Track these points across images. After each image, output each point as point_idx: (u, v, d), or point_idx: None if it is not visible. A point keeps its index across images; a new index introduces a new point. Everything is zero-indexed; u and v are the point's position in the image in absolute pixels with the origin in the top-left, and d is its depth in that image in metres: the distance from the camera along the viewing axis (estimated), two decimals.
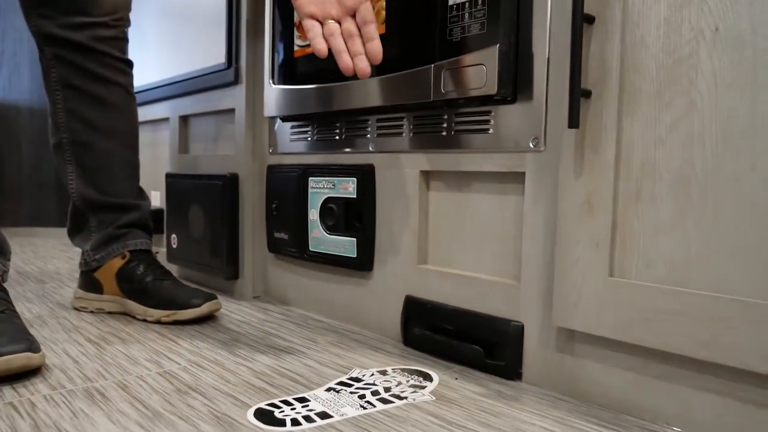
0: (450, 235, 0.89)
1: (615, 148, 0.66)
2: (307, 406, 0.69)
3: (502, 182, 0.81)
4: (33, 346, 0.77)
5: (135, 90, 1.61)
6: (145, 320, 1.06)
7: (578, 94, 0.66)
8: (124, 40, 1.14)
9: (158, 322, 1.04)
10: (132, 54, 1.63)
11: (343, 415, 0.66)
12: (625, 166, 0.66)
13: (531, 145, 0.75)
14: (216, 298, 1.07)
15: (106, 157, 1.11)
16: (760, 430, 0.57)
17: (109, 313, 1.11)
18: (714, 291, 0.59)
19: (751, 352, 0.56)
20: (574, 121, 0.66)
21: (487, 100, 0.78)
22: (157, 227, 1.52)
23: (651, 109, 0.63)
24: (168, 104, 1.49)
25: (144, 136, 1.66)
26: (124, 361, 0.84)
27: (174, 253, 1.41)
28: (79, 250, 1.15)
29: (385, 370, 0.81)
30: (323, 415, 0.66)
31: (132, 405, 0.69)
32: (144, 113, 1.60)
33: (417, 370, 0.82)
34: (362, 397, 0.72)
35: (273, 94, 1.13)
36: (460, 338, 0.84)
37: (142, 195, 1.18)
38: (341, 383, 0.76)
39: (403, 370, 0.82)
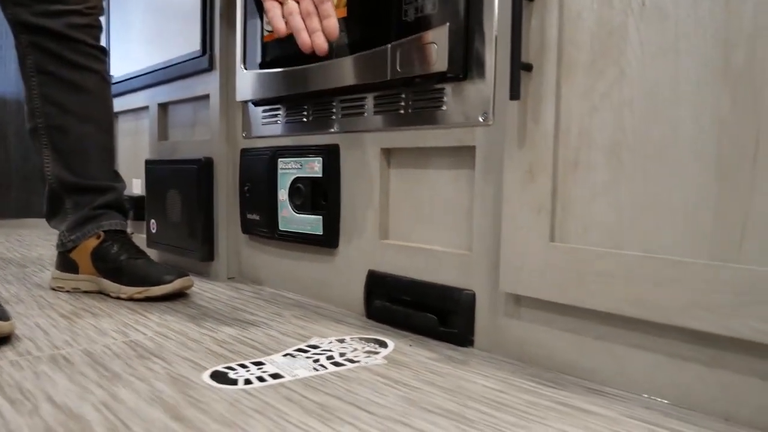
0: (410, 210, 0.92)
1: (554, 117, 0.69)
2: (262, 368, 0.72)
3: (456, 156, 0.84)
4: (3, 315, 0.80)
5: (117, 80, 1.64)
6: (118, 297, 1.09)
7: (518, 67, 0.69)
8: (98, 27, 1.16)
9: (131, 299, 1.07)
10: (116, 45, 1.66)
11: (294, 376, 0.69)
12: (564, 134, 0.69)
13: (480, 120, 0.78)
14: (188, 275, 1.10)
15: (80, 141, 1.14)
16: (686, 382, 0.60)
17: (85, 292, 1.14)
18: (644, 251, 0.62)
19: (676, 307, 0.59)
20: (515, 93, 0.69)
21: (440, 77, 0.81)
22: (139, 214, 1.55)
23: (586, 79, 0.66)
24: (148, 93, 1.52)
25: (126, 125, 1.69)
26: (93, 333, 0.87)
27: (153, 238, 1.44)
28: None
29: (344, 339, 0.84)
30: (275, 376, 0.69)
31: (93, 368, 0.72)
32: (126, 102, 1.63)
33: (374, 339, 0.84)
34: (316, 360, 0.75)
35: (244, 78, 1.16)
36: (417, 308, 0.87)
37: (117, 178, 1.21)
38: (299, 350, 0.79)
39: (360, 338, 0.85)
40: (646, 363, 0.63)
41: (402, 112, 0.89)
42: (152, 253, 1.50)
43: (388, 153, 0.95)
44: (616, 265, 0.63)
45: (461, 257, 0.83)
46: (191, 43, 1.30)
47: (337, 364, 0.74)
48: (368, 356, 0.77)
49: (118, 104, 1.66)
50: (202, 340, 0.84)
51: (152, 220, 1.44)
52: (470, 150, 0.81)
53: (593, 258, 0.65)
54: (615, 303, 0.64)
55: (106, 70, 1.19)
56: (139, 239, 1.51)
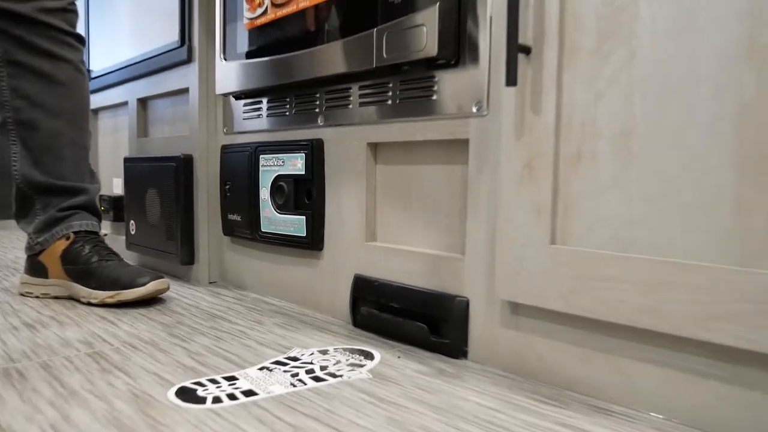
0: (398, 209, 0.85)
1: (555, 107, 0.62)
2: (234, 384, 0.65)
3: (448, 151, 0.78)
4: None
5: (97, 74, 1.57)
6: (89, 303, 1.02)
7: (515, 49, 0.62)
8: (73, 12, 1.09)
9: (103, 304, 1.00)
10: (97, 37, 1.59)
11: (269, 393, 0.62)
12: (566, 125, 0.62)
13: (474, 110, 0.72)
14: (163, 277, 1.03)
15: (51, 137, 1.07)
16: (703, 401, 0.54)
17: (55, 297, 1.07)
18: (655, 254, 0.55)
19: (690, 318, 0.52)
20: (511, 79, 0.62)
21: (429, 63, 0.75)
22: (119, 215, 1.48)
23: (591, 62, 0.59)
24: (126, 87, 1.45)
25: (106, 122, 1.62)
26: (56, 343, 0.80)
27: (132, 240, 1.37)
28: None
29: (327, 350, 0.78)
30: (248, 393, 0.62)
31: (49, 384, 0.65)
32: (105, 98, 1.56)
33: (359, 350, 0.78)
34: (295, 375, 0.68)
35: (224, 70, 1.09)
36: (406, 316, 0.80)
37: (92, 178, 1.13)
38: (276, 362, 0.73)
39: (345, 349, 0.78)
40: (657, 379, 0.57)
41: (389, 102, 0.82)
42: (132, 257, 1.43)
43: (375, 148, 0.88)
44: (624, 270, 0.57)
45: (453, 261, 0.76)
46: (170, 34, 1.23)
47: (317, 378, 0.67)
48: (352, 370, 0.70)
49: (98, 100, 1.60)
50: (172, 351, 0.77)
51: (131, 221, 1.37)
52: (463, 143, 0.74)
53: (599, 262, 0.59)
54: (624, 313, 0.57)
55: (81, 60, 1.12)
56: (120, 242, 1.44)
